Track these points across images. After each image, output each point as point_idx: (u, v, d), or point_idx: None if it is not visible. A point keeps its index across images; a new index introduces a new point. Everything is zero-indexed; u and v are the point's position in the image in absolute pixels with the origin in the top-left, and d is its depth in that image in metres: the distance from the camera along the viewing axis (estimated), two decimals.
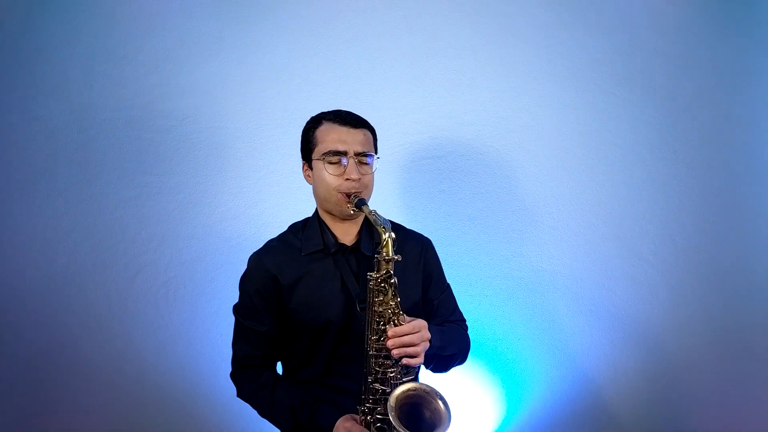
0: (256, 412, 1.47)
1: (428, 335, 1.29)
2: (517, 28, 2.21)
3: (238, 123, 2.12)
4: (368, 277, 1.32)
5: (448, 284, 1.61)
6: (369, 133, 1.47)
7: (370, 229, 1.49)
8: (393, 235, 1.29)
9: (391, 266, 1.30)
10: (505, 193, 2.18)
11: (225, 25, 2.13)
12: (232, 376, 1.49)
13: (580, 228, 2.18)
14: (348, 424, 1.32)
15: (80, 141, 2.07)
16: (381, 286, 1.30)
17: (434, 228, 2.06)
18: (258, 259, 1.47)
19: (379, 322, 1.30)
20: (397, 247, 1.31)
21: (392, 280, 1.29)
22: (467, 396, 2.09)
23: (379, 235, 1.29)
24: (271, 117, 2.13)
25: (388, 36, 2.18)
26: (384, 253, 1.29)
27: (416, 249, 1.53)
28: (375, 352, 1.31)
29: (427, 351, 1.30)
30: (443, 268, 1.62)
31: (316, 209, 1.53)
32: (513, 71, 2.20)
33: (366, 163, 1.42)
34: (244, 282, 1.49)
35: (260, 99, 2.13)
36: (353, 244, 1.47)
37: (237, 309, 1.50)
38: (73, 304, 2.03)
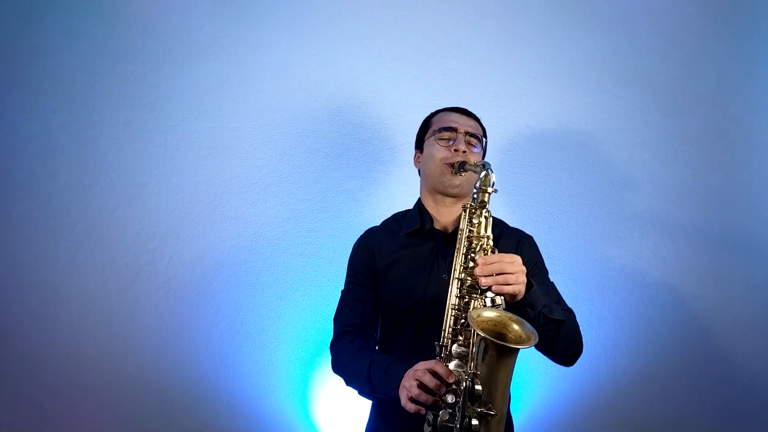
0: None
1: (523, 268, 1.22)
2: (517, 28, 2.21)
3: (238, 123, 2.12)
4: (463, 205, 1.38)
5: (553, 282, 1.55)
6: (479, 125, 1.59)
7: (471, 218, 1.49)
8: (492, 173, 1.33)
9: (488, 198, 1.34)
10: (505, 193, 2.17)
11: (225, 25, 2.13)
12: (331, 345, 1.51)
13: (580, 228, 2.18)
14: (421, 362, 1.22)
15: (80, 141, 2.07)
16: (475, 213, 1.34)
17: None
18: (361, 241, 1.59)
19: (469, 251, 1.31)
20: (494, 240, 1.34)
21: (485, 213, 1.33)
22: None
23: (478, 174, 1.35)
24: (271, 117, 2.13)
25: (388, 36, 2.18)
26: (482, 184, 1.34)
27: (512, 242, 1.54)
28: (460, 278, 1.29)
29: (528, 306, 1.24)
30: None
31: (419, 198, 1.59)
32: (513, 71, 2.20)
33: (474, 148, 1.52)
34: (350, 262, 1.58)
35: (260, 99, 2.13)
36: (452, 230, 1.50)
37: (343, 289, 1.57)
38: (72, 304, 2.03)
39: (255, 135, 2.12)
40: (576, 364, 2.18)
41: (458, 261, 1.32)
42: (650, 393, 2.16)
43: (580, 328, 1.44)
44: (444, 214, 1.53)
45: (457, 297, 1.29)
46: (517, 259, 1.23)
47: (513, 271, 1.21)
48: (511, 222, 1.61)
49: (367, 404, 1.55)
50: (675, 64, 2.22)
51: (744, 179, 2.22)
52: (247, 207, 2.10)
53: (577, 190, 2.18)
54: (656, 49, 2.22)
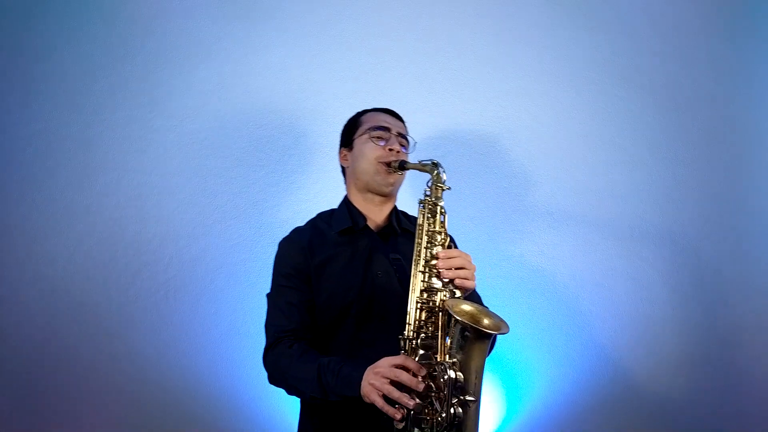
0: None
1: (475, 267, 1.30)
2: (517, 28, 2.21)
3: (238, 123, 2.12)
4: (420, 200, 1.39)
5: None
6: (406, 129, 1.62)
7: (398, 215, 1.56)
8: (444, 172, 1.38)
9: (440, 193, 1.38)
10: (505, 193, 2.18)
11: (225, 25, 2.13)
12: (264, 356, 1.43)
13: (580, 228, 2.18)
14: (386, 357, 1.20)
15: (80, 141, 2.07)
16: (432, 209, 1.36)
17: None
18: (289, 239, 1.53)
19: (429, 245, 1.33)
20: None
21: (441, 208, 1.37)
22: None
23: (430, 172, 1.40)
24: (271, 117, 2.13)
25: (388, 36, 2.18)
26: (434, 180, 1.38)
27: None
28: (422, 271, 1.31)
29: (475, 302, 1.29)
30: None
31: (345, 197, 1.58)
32: (513, 71, 2.20)
33: (404, 148, 1.55)
34: (277, 262, 1.50)
35: (260, 99, 2.13)
36: (384, 226, 1.53)
37: (270, 293, 1.49)
38: (72, 304, 2.02)
39: (255, 135, 2.12)
40: (576, 364, 2.19)
41: (420, 255, 1.33)
42: (650, 393, 2.16)
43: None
44: (375, 212, 1.53)
45: (421, 290, 1.30)
46: (470, 256, 1.31)
47: (470, 267, 1.28)
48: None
49: None
50: (674, 64, 2.23)
51: (744, 179, 2.22)
52: (247, 207, 2.10)
53: (576, 190, 2.19)
54: (656, 49, 2.22)
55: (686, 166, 2.21)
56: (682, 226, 2.19)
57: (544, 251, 2.17)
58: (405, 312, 1.29)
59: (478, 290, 1.62)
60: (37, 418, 2.01)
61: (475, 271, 1.29)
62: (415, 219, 1.41)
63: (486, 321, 1.20)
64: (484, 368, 1.19)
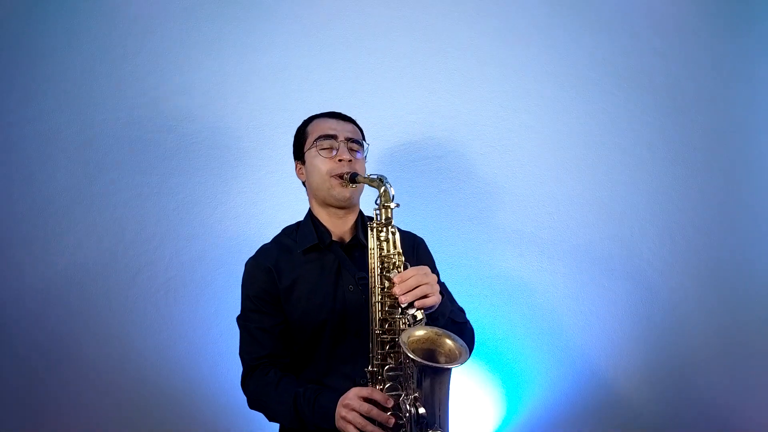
0: (254, 413, 1.46)
1: (434, 277, 1.24)
2: (517, 28, 2.21)
3: (238, 123, 2.12)
4: (369, 224, 1.34)
5: (443, 282, 1.57)
6: (357, 128, 1.53)
7: (364, 223, 1.50)
8: (392, 188, 1.31)
9: (390, 213, 1.32)
10: (505, 193, 2.18)
11: (225, 25, 2.13)
12: (242, 383, 1.46)
13: (580, 228, 2.18)
14: (354, 389, 1.23)
15: (80, 141, 2.07)
16: (381, 234, 1.32)
17: (434, 228, 2.07)
18: (255, 261, 1.49)
19: (383, 270, 1.30)
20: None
21: (392, 229, 1.31)
22: (467, 396, 2.09)
23: (377, 188, 1.32)
24: (271, 117, 2.13)
25: (387, 36, 2.18)
26: (383, 200, 1.32)
27: (407, 246, 1.51)
28: (380, 301, 1.28)
29: (440, 314, 1.27)
30: (443, 268, 1.61)
31: (309, 209, 1.54)
32: (513, 71, 2.20)
33: (357, 154, 1.47)
34: (245, 285, 1.49)
35: (260, 99, 2.13)
36: (350, 240, 1.48)
37: (240, 317, 1.49)
38: (73, 304, 2.02)
39: (255, 135, 2.12)
40: (576, 364, 2.19)
41: (375, 283, 1.30)
42: (650, 393, 2.16)
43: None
44: (339, 225, 1.49)
45: (380, 320, 1.28)
46: (427, 269, 1.25)
47: (428, 281, 1.22)
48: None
49: None
50: (675, 64, 2.22)
51: (744, 179, 2.22)
52: (247, 207, 2.10)
53: (576, 190, 2.19)
54: (656, 49, 2.22)
55: (686, 166, 2.21)
56: (682, 226, 2.19)
57: (544, 251, 2.17)
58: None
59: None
60: (38, 418, 2.01)
61: (435, 281, 1.24)
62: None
63: (442, 348, 1.18)
64: (448, 397, 1.18)
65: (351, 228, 1.50)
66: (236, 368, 2.05)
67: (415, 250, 1.55)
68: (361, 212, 1.55)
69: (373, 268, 1.31)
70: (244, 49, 2.13)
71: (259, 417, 1.93)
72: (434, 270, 1.57)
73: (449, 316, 1.34)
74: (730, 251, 2.20)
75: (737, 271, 2.19)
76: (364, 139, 1.53)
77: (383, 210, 1.32)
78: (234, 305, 2.07)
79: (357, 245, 1.48)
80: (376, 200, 1.33)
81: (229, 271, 2.06)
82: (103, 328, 2.03)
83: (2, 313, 2.01)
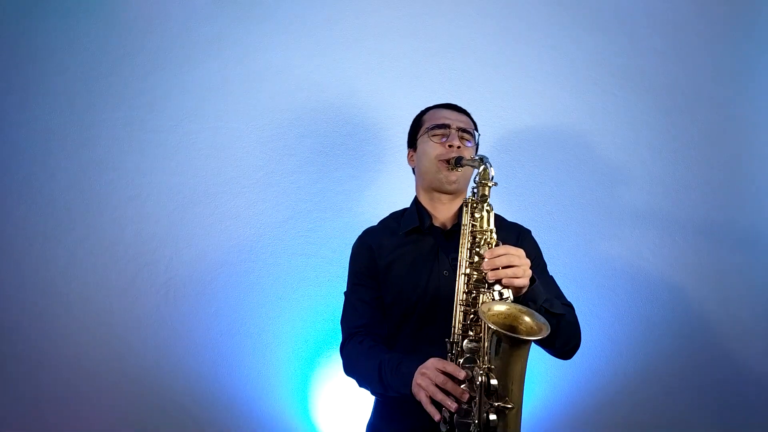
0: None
1: (528, 261, 1.23)
2: (517, 29, 2.21)
3: (238, 123, 2.12)
4: (464, 200, 1.39)
5: (552, 276, 1.56)
6: (470, 120, 1.59)
7: (471, 211, 1.50)
8: (491, 167, 1.34)
9: (488, 191, 1.34)
10: (505, 193, 2.17)
11: (225, 25, 2.13)
12: (341, 349, 1.51)
13: (580, 228, 2.18)
14: (432, 359, 1.22)
15: (80, 141, 2.07)
16: (476, 207, 1.34)
17: None
18: (360, 240, 1.59)
19: (474, 245, 1.31)
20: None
21: (487, 206, 1.33)
22: None
23: (477, 167, 1.36)
24: (271, 117, 2.13)
25: (388, 36, 2.18)
26: (481, 178, 1.34)
27: (511, 236, 1.53)
28: (467, 274, 1.29)
29: (531, 300, 1.25)
30: None
31: (415, 197, 1.59)
32: (513, 71, 2.20)
33: (467, 143, 1.52)
34: (351, 261, 1.58)
35: (260, 99, 2.13)
36: (452, 226, 1.51)
37: (346, 291, 1.57)
38: (73, 304, 2.02)
39: (255, 135, 2.12)
40: (576, 364, 2.18)
41: (463, 256, 1.31)
42: (650, 393, 2.16)
43: (581, 327, 1.44)
44: (442, 210, 1.53)
45: (464, 293, 1.29)
46: (522, 251, 1.23)
47: (519, 264, 1.21)
48: (517, 221, 1.61)
49: (366, 403, 1.55)
50: (675, 64, 2.22)
51: (744, 179, 2.22)
52: (247, 207, 2.10)
53: (577, 190, 2.18)
54: (656, 49, 2.22)
55: (686, 166, 2.21)
56: (682, 226, 2.19)
57: (543, 251, 2.16)
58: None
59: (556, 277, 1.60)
60: (38, 418, 2.01)
61: (528, 265, 1.22)
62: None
63: (522, 325, 1.16)
64: (524, 374, 1.17)
65: (454, 215, 1.53)
66: (237, 368, 2.06)
67: (519, 240, 1.54)
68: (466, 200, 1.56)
69: (464, 243, 1.32)
70: (244, 49, 2.13)
71: (260, 416, 1.94)
72: (540, 260, 1.57)
73: (542, 305, 1.28)
74: (730, 251, 2.20)
75: (737, 271, 2.19)
76: (476, 129, 1.58)
77: (480, 187, 1.35)
78: (234, 306, 2.09)
79: (458, 231, 1.46)
80: (474, 178, 1.37)
81: (229, 271, 2.07)
82: (103, 328, 2.03)
83: (2, 313, 2.01)
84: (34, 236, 2.03)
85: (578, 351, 1.40)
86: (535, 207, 2.17)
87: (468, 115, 1.59)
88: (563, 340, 1.39)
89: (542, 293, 1.29)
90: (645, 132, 2.21)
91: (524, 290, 1.24)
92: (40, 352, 2.02)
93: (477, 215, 1.34)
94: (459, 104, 1.62)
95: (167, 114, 2.10)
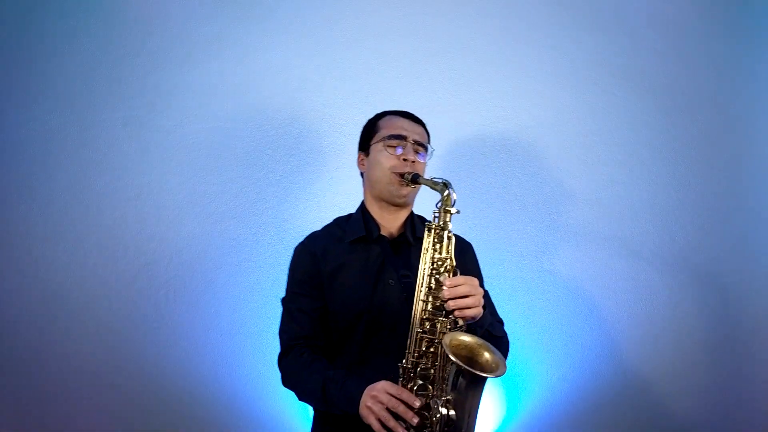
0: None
1: (482, 291, 1.27)
2: (518, 29, 2.21)
3: (237, 123, 2.12)
4: (426, 224, 1.38)
5: (487, 291, 1.57)
6: (426, 132, 1.58)
7: (413, 222, 1.54)
8: (454, 192, 1.34)
9: (449, 219, 1.34)
10: (505, 193, 2.18)
11: (225, 25, 2.13)
12: (279, 361, 1.50)
13: (580, 228, 2.18)
14: (382, 383, 1.24)
15: (80, 141, 2.07)
16: (438, 235, 1.34)
17: None
18: (303, 246, 1.54)
19: (433, 272, 1.31)
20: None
21: (449, 233, 1.34)
22: None
23: (440, 192, 1.36)
24: (271, 117, 2.13)
25: (388, 36, 2.18)
26: (444, 204, 1.35)
27: (456, 250, 1.50)
28: (424, 301, 1.30)
29: (479, 325, 1.29)
30: None
31: (362, 202, 1.58)
32: (513, 71, 2.20)
33: (420, 156, 1.51)
34: (292, 269, 1.53)
35: (260, 99, 2.13)
36: (398, 235, 1.51)
37: (284, 299, 1.54)
38: (73, 304, 2.02)
39: (255, 135, 2.12)
40: (576, 364, 2.19)
41: (422, 282, 1.32)
42: (650, 393, 2.16)
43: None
44: (389, 220, 1.53)
45: (422, 319, 1.30)
46: (476, 281, 1.27)
47: (475, 293, 1.25)
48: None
49: None
50: (675, 64, 2.22)
51: (744, 179, 2.22)
52: (247, 207, 2.10)
53: (577, 190, 2.18)
54: (656, 49, 2.22)
55: (686, 166, 2.21)
56: (683, 226, 2.19)
57: (543, 251, 2.17)
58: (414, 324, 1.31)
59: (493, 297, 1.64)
60: (38, 418, 2.01)
61: (482, 295, 1.27)
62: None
63: (482, 360, 1.20)
64: (478, 408, 1.20)
65: (401, 225, 1.53)
66: (237, 368, 2.06)
67: (463, 254, 1.55)
68: (412, 212, 1.57)
69: (424, 268, 1.33)
70: (244, 49, 2.13)
71: (260, 416, 1.93)
72: (480, 276, 1.60)
73: (487, 329, 1.35)
74: (730, 251, 2.20)
75: (737, 270, 2.19)
76: (429, 143, 1.57)
77: (443, 213, 1.35)
78: (234, 306, 2.08)
79: (404, 242, 1.50)
80: (437, 203, 1.37)
81: (229, 271, 2.07)
82: (103, 328, 2.03)
83: (2, 313, 2.01)
84: (34, 236, 2.03)
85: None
86: (535, 207, 2.17)
87: (424, 126, 1.58)
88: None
89: (488, 318, 1.34)
90: (645, 132, 2.21)
91: (476, 319, 1.28)
92: (40, 351, 2.02)
93: (437, 240, 1.35)
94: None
95: (167, 114, 2.10)
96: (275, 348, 2.05)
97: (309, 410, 2.03)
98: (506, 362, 1.42)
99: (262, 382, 2.03)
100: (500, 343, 1.44)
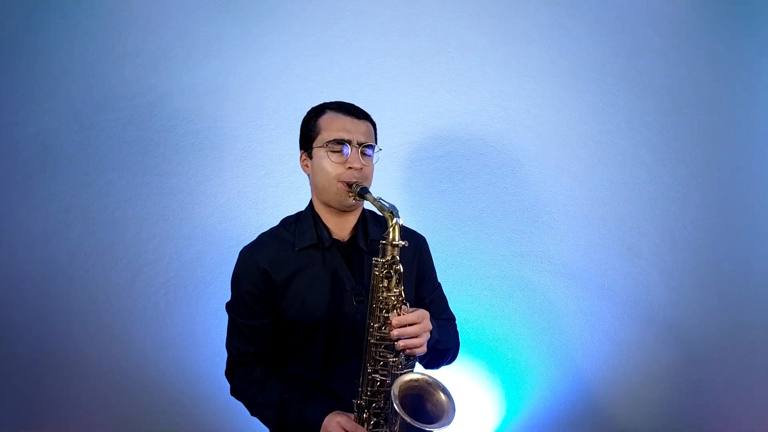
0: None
1: (430, 326, 1.26)
2: (518, 29, 2.21)
3: (238, 123, 2.12)
4: (374, 261, 1.28)
5: (440, 283, 1.60)
6: (371, 126, 1.47)
7: (365, 224, 1.48)
8: (401, 220, 1.26)
9: (397, 252, 1.26)
10: (505, 193, 2.18)
11: (225, 25, 2.13)
12: (227, 373, 1.46)
13: (580, 228, 2.18)
14: (339, 419, 1.26)
15: (80, 141, 2.07)
16: (386, 272, 1.26)
17: (434, 228, 2.06)
18: (250, 255, 1.44)
19: (382, 310, 1.27)
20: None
21: (397, 267, 1.26)
22: (467, 396, 2.09)
23: (386, 221, 1.25)
24: (271, 117, 2.13)
25: (388, 36, 2.18)
26: (391, 238, 1.25)
27: (410, 247, 1.45)
28: (376, 341, 1.27)
29: (428, 344, 1.28)
30: (443, 268, 1.62)
31: (310, 202, 1.49)
32: (513, 71, 2.20)
33: (367, 155, 1.41)
34: (236, 279, 1.45)
35: (260, 99, 2.13)
36: (349, 239, 1.45)
37: (229, 306, 1.47)
38: (73, 304, 2.03)
39: (255, 135, 2.12)
40: (576, 364, 2.19)
41: (373, 321, 1.29)
42: (650, 393, 2.16)
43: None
44: (339, 224, 1.45)
45: (373, 360, 1.28)
46: (426, 314, 1.26)
47: (424, 330, 1.24)
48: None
49: None
50: (675, 64, 2.22)
51: (744, 179, 2.22)
52: (247, 207, 2.10)
53: (576, 190, 2.19)
54: (656, 49, 2.22)
55: (686, 166, 2.21)
56: (683, 226, 2.19)
57: (543, 251, 2.17)
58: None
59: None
60: (38, 417, 2.01)
61: (429, 329, 1.26)
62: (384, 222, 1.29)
63: (432, 398, 1.21)
64: None
65: (351, 229, 1.47)
66: None
67: (418, 251, 1.53)
68: (363, 211, 1.51)
69: (374, 307, 1.28)
70: (244, 49, 2.13)
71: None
72: (433, 270, 1.59)
73: (434, 345, 1.34)
74: (730, 251, 2.20)
75: (737, 270, 2.19)
76: (376, 136, 1.49)
77: (390, 248, 1.26)
78: None
79: (356, 246, 1.45)
80: (384, 235, 1.27)
81: (229, 271, 2.04)
82: (103, 328, 2.03)
83: (2, 313, 2.01)
84: (34, 236, 2.03)
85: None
86: (535, 207, 2.17)
87: (369, 119, 1.46)
88: (448, 361, 1.50)
89: (434, 337, 1.31)
90: (645, 132, 2.21)
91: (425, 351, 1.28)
92: (40, 351, 2.02)
93: (384, 275, 1.27)
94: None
95: (167, 114, 2.10)
96: None
97: None
98: (457, 346, 1.49)
99: None
100: (445, 351, 1.44)
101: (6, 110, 2.05)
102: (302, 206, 1.62)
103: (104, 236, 2.05)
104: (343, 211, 1.43)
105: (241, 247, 1.47)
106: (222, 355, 1.74)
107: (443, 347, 1.41)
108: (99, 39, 2.09)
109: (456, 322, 1.58)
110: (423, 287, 1.53)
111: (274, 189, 2.11)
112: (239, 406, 1.56)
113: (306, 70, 2.14)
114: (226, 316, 1.45)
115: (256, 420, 1.43)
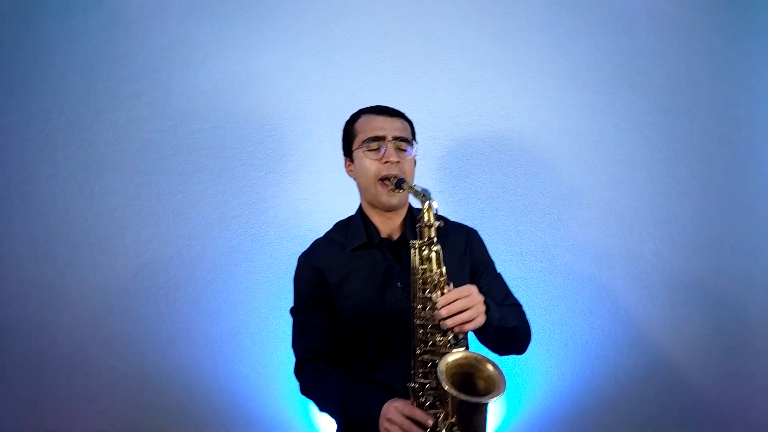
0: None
1: (480, 297, 1.22)
2: (518, 29, 2.21)
3: (238, 123, 2.12)
4: (411, 243, 1.31)
5: (499, 273, 1.58)
6: (406, 123, 1.51)
7: (413, 221, 1.50)
8: (435, 203, 1.28)
9: (433, 233, 1.28)
10: (505, 193, 2.18)
11: (225, 25, 2.13)
12: (295, 372, 1.51)
13: (580, 228, 2.18)
14: (396, 404, 1.27)
15: (80, 141, 2.07)
16: (424, 253, 1.29)
17: None
18: (306, 259, 1.53)
19: (425, 290, 1.28)
20: (442, 238, 1.31)
21: (435, 248, 1.28)
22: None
23: (421, 204, 1.29)
24: (271, 117, 2.13)
25: (388, 36, 2.18)
26: (426, 220, 1.28)
27: (461, 240, 1.52)
28: (422, 323, 1.28)
29: (488, 324, 1.25)
30: None
31: (360, 205, 1.55)
32: (513, 71, 2.20)
33: (404, 150, 1.45)
34: (297, 282, 1.54)
35: (260, 99, 2.13)
36: (398, 237, 1.49)
37: (293, 309, 1.54)
38: (73, 304, 2.03)
39: (255, 135, 2.12)
40: (576, 364, 2.19)
41: (417, 304, 1.30)
42: (650, 393, 2.16)
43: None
44: (387, 223, 1.50)
45: (421, 341, 1.29)
46: (473, 290, 1.22)
47: (472, 304, 1.20)
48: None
49: None
50: (675, 64, 2.22)
51: (744, 179, 2.22)
52: (247, 207, 2.10)
53: (577, 190, 2.19)
54: (656, 49, 2.22)
55: (686, 166, 2.21)
56: (682, 226, 2.19)
57: (543, 251, 2.17)
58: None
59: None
60: (38, 417, 2.01)
61: (481, 302, 1.22)
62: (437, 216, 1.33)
63: (483, 374, 1.19)
64: (485, 425, 1.21)
65: (399, 225, 1.51)
66: (237, 368, 2.06)
67: (469, 243, 1.54)
68: (410, 208, 1.54)
69: (416, 289, 1.30)
70: (244, 49, 2.13)
71: (260, 416, 1.94)
72: (489, 261, 1.58)
73: (499, 324, 1.30)
74: (730, 251, 2.20)
75: (737, 271, 2.19)
76: (413, 134, 1.52)
77: (426, 230, 1.29)
78: (234, 305, 2.08)
79: (405, 243, 1.46)
80: (418, 219, 1.30)
81: (229, 271, 2.07)
82: (103, 328, 2.03)
83: (2, 313, 2.01)
84: (34, 236, 2.03)
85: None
86: (535, 207, 2.17)
87: (403, 116, 1.51)
88: (518, 345, 1.47)
89: (495, 315, 1.28)
90: (645, 132, 2.21)
91: (479, 326, 1.24)
92: (40, 352, 2.02)
93: (425, 257, 1.29)
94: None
95: (167, 114, 2.10)
96: (275, 348, 2.06)
97: (308, 408, 2.04)
98: (529, 337, 1.47)
99: (262, 381, 2.03)
100: (515, 333, 1.39)
101: (6, 110, 2.05)
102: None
103: (104, 236, 2.05)
104: (388, 210, 1.48)
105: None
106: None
107: (510, 325, 1.36)
108: (99, 39, 2.09)
109: (521, 307, 1.54)
110: (480, 278, 1.53)
111: (274, 189, 2.11)
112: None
113: (306, 70, 2.14)
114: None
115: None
